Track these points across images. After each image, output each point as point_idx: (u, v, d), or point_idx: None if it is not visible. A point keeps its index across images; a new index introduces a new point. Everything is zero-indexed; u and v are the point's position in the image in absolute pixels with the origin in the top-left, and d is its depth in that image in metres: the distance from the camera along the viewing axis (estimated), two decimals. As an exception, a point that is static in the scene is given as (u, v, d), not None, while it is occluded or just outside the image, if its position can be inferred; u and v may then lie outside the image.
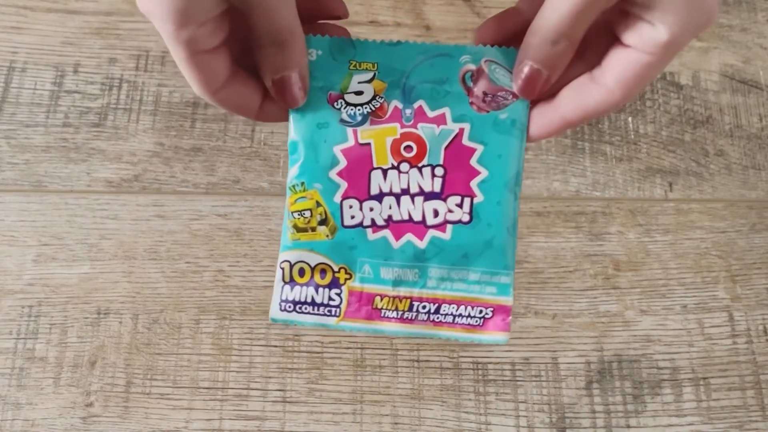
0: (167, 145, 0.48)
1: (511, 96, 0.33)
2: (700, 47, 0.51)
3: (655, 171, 0.48)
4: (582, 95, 0.31)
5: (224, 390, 0.42)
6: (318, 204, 0.33)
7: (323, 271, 0.33)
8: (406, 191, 0.33)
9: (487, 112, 0.33)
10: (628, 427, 0.41)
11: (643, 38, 0.29)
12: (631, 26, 0.29)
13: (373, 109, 0.33)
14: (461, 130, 0.33)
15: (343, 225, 0.33)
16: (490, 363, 0.42)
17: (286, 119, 0.34)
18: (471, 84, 0.33)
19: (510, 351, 0.43)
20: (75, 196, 0.46)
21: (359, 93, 0.33)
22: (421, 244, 0.33)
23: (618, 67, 0.30)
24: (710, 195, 0.47)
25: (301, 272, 0.33)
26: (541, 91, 0.32)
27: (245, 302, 0.44)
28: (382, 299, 0.33)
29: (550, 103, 0.32)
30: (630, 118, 0.49)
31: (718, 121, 0.49)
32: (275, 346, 0.43)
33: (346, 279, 0.33)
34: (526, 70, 0.31)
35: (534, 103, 0.33)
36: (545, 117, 0.32)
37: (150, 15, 0.29)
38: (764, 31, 0.52)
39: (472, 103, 0.33)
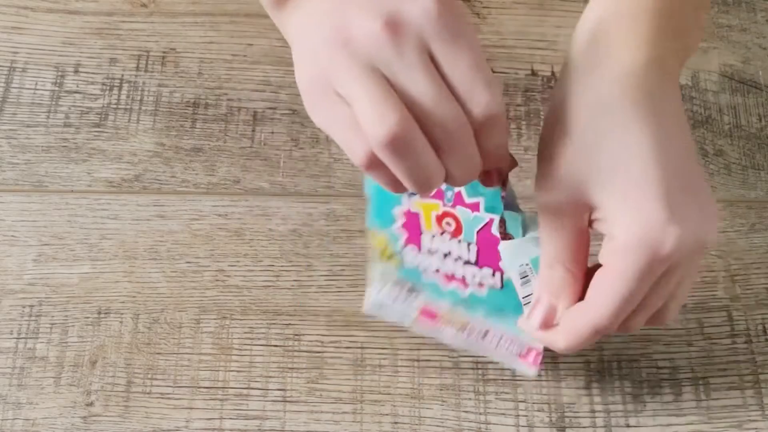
0: (168, 145, 0.48)
1: None
2: (700, 47, 0.51)
3: (655, 171, 0.48)
4: (569, 319, 0.33)
5: (225, 389, 0.42)
6: (386, 246, 0.40)
7: (401, 286, 0.40)
8: (448, 255, 0.39)
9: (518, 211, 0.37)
10: (628, 426, 0.41)
11: (605, 251, 0.31)
12: (602, 246, 0.32)
13: None
14: (490, 221, 0.37)
15: (405, 264, 0.40)
16: (489, 363, 0.43)
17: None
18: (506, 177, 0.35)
19: (510, 350, 0.43)
20: (75, 196, 0.46)
21: None
22: (464, 294, 0.39)
23: (594, 285, 0.32)
24: (709, 195, 0.47)
25: (385, 282, 0.40)
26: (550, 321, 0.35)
27: (245, 302, 0.44)
28: (443, 315, 0.40)
29: (554, 328, 0.35)
30: (629, 118, 0.49)
31: (717, 121, 0.50)
32: (275, 346, 0.43)
33: (416, 294, 0.40)
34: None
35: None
36: (547, 338, 0.35)
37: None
38: (764, 31, 0.52)
39: (503, 197, 0.36)
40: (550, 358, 0.43)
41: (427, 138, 0.28)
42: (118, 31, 0.51)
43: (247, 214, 0.46)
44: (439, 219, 0.38)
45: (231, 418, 0.41)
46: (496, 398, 0.42)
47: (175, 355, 0.43)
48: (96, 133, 0.48)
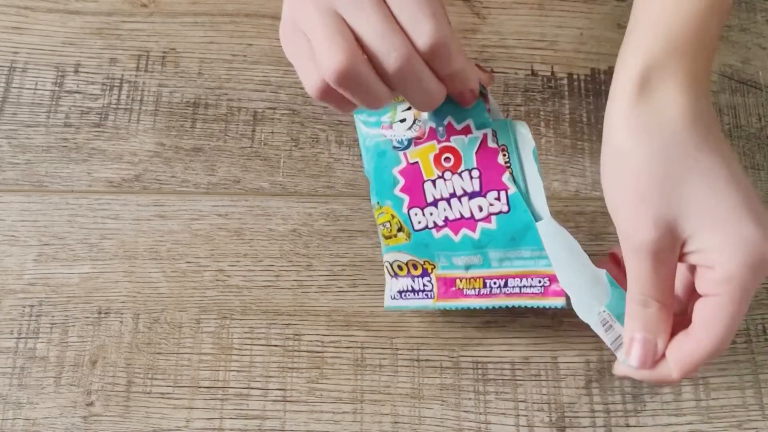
0: (168, 145, 0.48)
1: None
2: (700, 47, 0.51)
3: (655, 171, 0.48)
4: (679, 351, 0.34)
5: (225, 389, 0.42)
6: (393, 216, 0.40)
7: (414, 265, 0.40)
8: (453, 195, 0.39)
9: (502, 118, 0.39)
10: (628, 426, 0.41)
11: (708, 282, 0.32)
12: (699, 277, 0.33)
13: (415, 134, 0.39)
14: (484, 136, 0.38)
15: (414, 230, 0.40)
16: (489, 362, 0.43)
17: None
18: (486, 92, 0.38)
19: (510, 350, 0.43)
20: (76, 196, 0.46)
21: (403, 120, 0.40)
22: (475, 235, 0.39)
23: (697, 315, 0.33)
24: (709, 195, 0.47)
25: (399, 268, 0.40)
26: (651, 359, 0.35)
27: (246, 302, 0.44)
28: (461, 281, 0.40)
29: (659, 363, 0.35)
30: (629, 118, 0.49)
31: (717, 121, 0.50)
32: (276, 346, 0.43)
33: (432, 268, 0.40)
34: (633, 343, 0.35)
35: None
36: (658, 374, 0.35)
37: None
38: (763, 31, 0.52)
39: (489, 110, 0.38)
40: (550, 358, 0.43)
41: (378, 70, 0.32)
42: (118, 31, 0.51)
43: (247, 214, 0.46)
44: (437, 158, 0.39)
45: (231, 418, 0.41)
46: (496, 398, 0.42)
47: (175, 355, 0.43)
48: (96, 133, 0.48)
